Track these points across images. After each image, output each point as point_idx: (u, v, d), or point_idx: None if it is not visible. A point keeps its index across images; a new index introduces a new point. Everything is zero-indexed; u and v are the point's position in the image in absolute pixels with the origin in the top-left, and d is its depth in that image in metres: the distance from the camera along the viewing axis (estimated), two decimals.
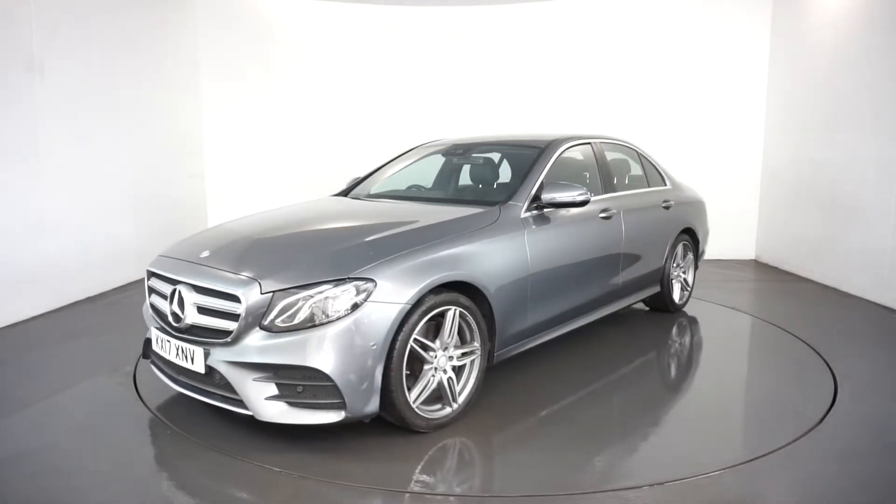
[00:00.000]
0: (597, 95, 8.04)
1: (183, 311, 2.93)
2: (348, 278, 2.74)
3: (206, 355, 2.81)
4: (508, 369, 3.92)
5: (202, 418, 3.18)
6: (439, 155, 4.70)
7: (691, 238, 5.34)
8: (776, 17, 7.48)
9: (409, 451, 2.89)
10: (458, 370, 3.16)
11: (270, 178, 8.20)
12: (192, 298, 2.92)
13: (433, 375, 3.00)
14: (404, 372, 2.83)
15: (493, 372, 3.81)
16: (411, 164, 4.71)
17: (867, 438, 3.08)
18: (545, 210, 3.73)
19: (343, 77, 8.17)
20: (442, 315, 3.00)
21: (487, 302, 3.21)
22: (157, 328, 3.13)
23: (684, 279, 5.34)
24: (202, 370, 2.85)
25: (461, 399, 3.13)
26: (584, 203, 3.70)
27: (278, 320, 2.71)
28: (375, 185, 4.59)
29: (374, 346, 2.70)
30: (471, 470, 2.83)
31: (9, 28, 4.72)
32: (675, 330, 4.88)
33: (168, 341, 3.01)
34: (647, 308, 5.34)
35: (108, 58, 5.92)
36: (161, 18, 6.92)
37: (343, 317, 2.68)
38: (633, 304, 4.84)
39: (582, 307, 4.06)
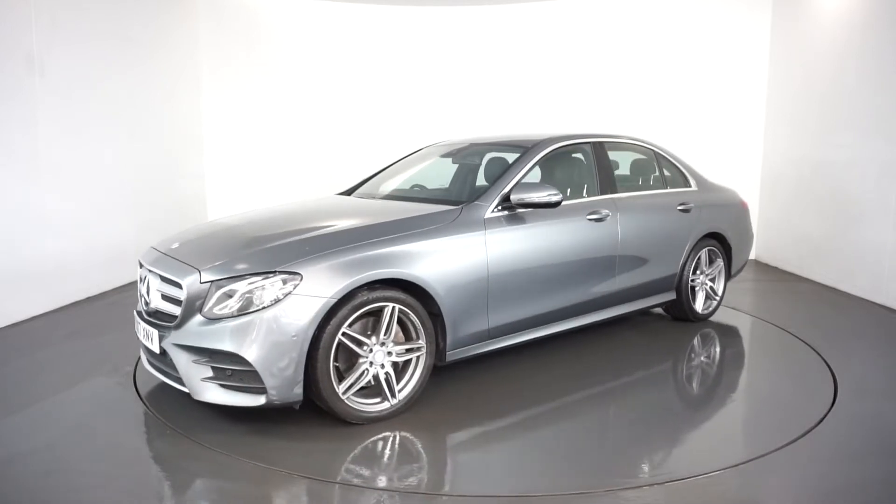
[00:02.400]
0: (597, 95, 8.03)
1: (149, 297, 3.24)
2: (276, 271, 2.91)
3: (161, 337, 3.06)
4: (486, 368, 3.91)
5: (201, 418, 3.19)
6: (440, 156, 4.71)
7: (722, 244, 5.02)
8: (776, 17, 7.48)
9: (342, 440, 2.96)
10: (404, 366, 3.22)
11: (270, 177, 8.19)
12: (155, 285, 3.22)
13: (367, 369, 3.07)
14: (331, 363, 2.94)
15: (465, 370, 3.83)
16: (415, 164, 4.74)
17: (867, 439, 3.08)
18: (520, 211, 3.68)
19: (343, 77, 8.17)
20: (382, 311, 3.08)
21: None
22: (136, 311, 3.43)
23: (710, 288, 5.01)
24: (157, 350, 3.11)
25: (401, 395, 3.18)
26: (555, 204, 3.64)
27: (215, 308, 2.91)
28: (377, 185, 4.61)
29: (296, 337, 2.84)
30: (416, 465, 2.82)
31: (9, 27, 4.72)
32: (675, 329, 4.87)
33: (139, 323, 3.31)
34: (670, 317, 5.06)
35: (108, 57, 5.92)
36: (161, 18, 6.91)
37: (267, 307, 2.85)
38: (643, 309, 4.62)
39: (562, 311, 3.93)
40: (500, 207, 3.63)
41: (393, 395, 3.15)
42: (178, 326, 2.98)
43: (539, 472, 2.75)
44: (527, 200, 3.60)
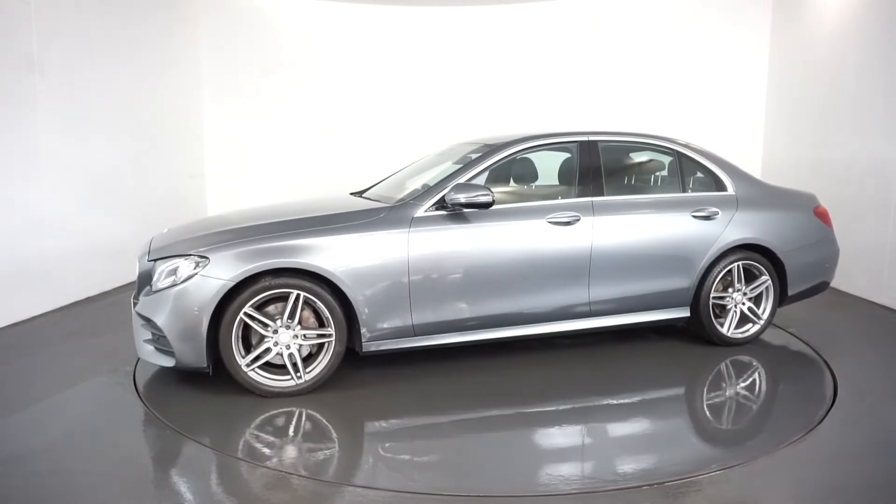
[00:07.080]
0: (597, 95, 8.03)
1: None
2: (192, 255, 3.37)
3: (134, 305, 3.55)
4: (463, 364, 3.92)
5: (201, 418, 3.20)
6: (441, 157, 4.69)
7: (769, 259, 4.34)
8: (776, 17, 7.47)
9: (247, 413, 3.26)
10: (319, 349, 3.51)
11: (270, 178, 8.20)
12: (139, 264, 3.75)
13: (271, 347, 3.40)
14: (235, 338, 3.33)
15: (437, 362, 3.91)
16: (420, 166, 4.74)
17: (867, 438, 3.08)
18: (466, 212, 3.69)
19: (344, 77, 8.17)
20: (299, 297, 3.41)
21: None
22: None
23: (749, 308, 4.34)
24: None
25: (308, 376, 3.47)
26: (485, 205, 3.65)
27: (159, 283, 3.40)
28: (386, 185, 4.60)
29: (197, 312, 3.27)
30: (328, 448, 2.92)
31: (9, 27, 4.72)
32: (674, 328, 4.85)
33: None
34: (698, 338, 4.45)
35: (108, 57, 5.91)
36: (162, 18, 6.91)
37: (179, 284, 3.32)
38: (642, 325, 4.23)
39: (515, 317, 3.81)
40: (436, 207, 3.68)
41: (299, 375, 3.42)
42: (137, 297, 3.52)
43: (434, 472, 2.75)
44: (457, 201, 3.63)
